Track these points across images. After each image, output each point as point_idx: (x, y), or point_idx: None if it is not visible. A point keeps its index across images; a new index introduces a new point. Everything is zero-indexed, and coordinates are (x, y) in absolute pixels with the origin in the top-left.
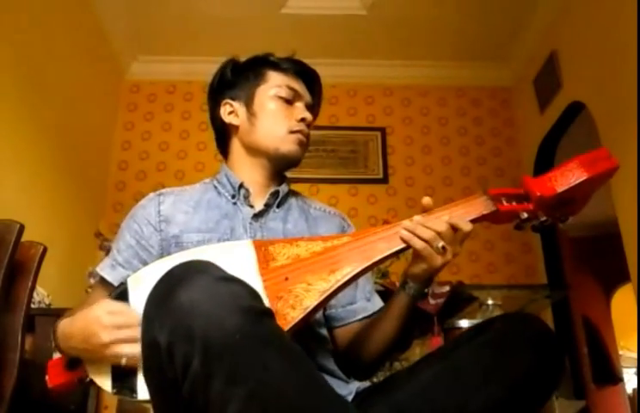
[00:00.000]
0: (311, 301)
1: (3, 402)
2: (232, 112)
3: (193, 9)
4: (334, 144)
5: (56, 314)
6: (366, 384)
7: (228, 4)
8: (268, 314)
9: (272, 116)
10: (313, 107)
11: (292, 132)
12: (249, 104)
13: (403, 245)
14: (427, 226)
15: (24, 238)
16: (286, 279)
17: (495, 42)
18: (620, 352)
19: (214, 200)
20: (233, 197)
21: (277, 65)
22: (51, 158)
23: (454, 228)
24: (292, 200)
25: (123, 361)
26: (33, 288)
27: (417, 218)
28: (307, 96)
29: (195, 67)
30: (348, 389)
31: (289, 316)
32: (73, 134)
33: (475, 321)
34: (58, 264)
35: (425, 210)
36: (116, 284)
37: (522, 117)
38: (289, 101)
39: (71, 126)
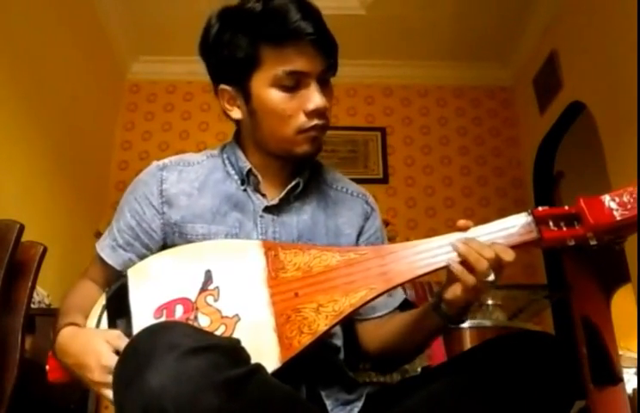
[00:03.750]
0: (321, 326)
1: (3, 402)
2: (231, 100)
3: (194, 9)
4: (333, 144)
5: (56, 314)
6: (377, 388)
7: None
8: (248, 375)
9: (274, 115)
10: (329, 69)
11: (303, 131)
12: (246, 97)
13: (427, 269)
14: (481, 256)
15: (24, 238)
16: (296, 295)
17: (495, 42)
18: (620, 352)
19: (222, 181)
20: (242, 182)
21: (270, 39)
22: (51, 158)
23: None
24: (312, 183)
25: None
26: (33, 288)
27: (459, 239)
28: (317, 63)
29: (195, 67)
30: (358, 393)
31: (295, 341)
32: (73, 134)
33: (475, 321)
34: (58, 264)
35: (460, 230)
36: (117, 267)
37: (522, 117)
38: (293, 87)
39: (71, 125)
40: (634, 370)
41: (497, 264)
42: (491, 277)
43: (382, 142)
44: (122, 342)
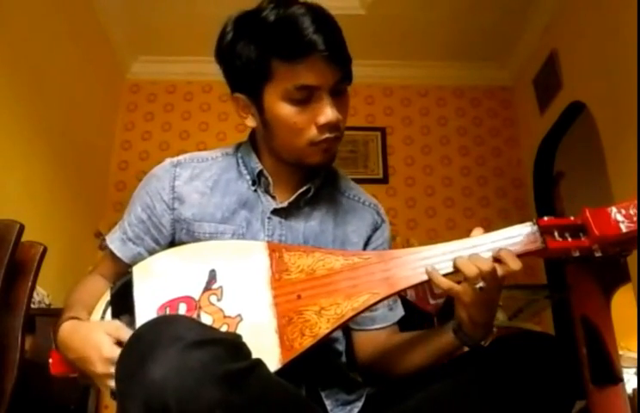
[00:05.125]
0: (322, 329)
1: (3, 402)
2: (245, 109)
3: (193, 9)
4: None
5: (56, 314)
6: (377, 388)
7: (228, 5)
8: (249, 370)
9: (286, 127)
10: (342, 80)
11: (315, 143)
12: (259, 107)
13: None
14: (471, 262)
15: (24, 238)
16: (299, 297)
17: (495, 42)
18: (620, 352)
19: (234, 181)
20: (254, 183)
21: (280, 54)
22: (51, 158)
23: (498, 260)
24: (324, 190)
25: (112, 394)
26: (33, 288)
27: (455, 246)
28: (329, 76)
29: (195, 67)
30: (358, 393)
31: (297, 343)
32: (73, 134)
33: None
34: (58, 264)
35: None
36: (126, 260)
37: (522, 117)
38: (305, 100)
39: (71, 125)
40: (634, 370)
41: (492, 273)
42: (480, 284)
43: (382, 142)
44: (122, 332)
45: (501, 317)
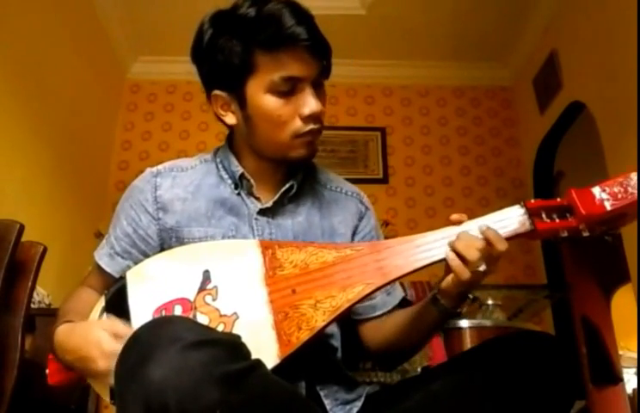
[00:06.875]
0: (319, 321)
1: (4, 402)
2: (225, 106)
3: (193, 9)
4: (333, 144)
5: (56, 314)
6: (376, 388)
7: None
8: (248, 370)
9: (270, 121)
10: (323, 73)
11: (298, 136)
12: (241, 102)
13: (424, 263)
14: (469, 246)
15: (24, 238)
16: (293, 292)
17: (495, 42)
18: (620, 352)
19: (215, 186)
20: (236, 186)
21: (265, 45)
22: (51, 158)
23: (488, 243)
24: (305, 185)
25: (111, 399)
26: (33, 288)
27: (447, 232)
28: (312, 68)
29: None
30: (357, 393)
31: (294, 337)
32: (73, 134)
33: (475, 321)
34: (58, 264)
35: (455, 224)
36: (115, 275)
37: (522, 117)
38: (289, 92)
39: (72, 125)
40: (634, 370)
41: (488, 254)
42: (482, 267)
43: (382, 142)
44: (118, 326)
45: (501, 317)
